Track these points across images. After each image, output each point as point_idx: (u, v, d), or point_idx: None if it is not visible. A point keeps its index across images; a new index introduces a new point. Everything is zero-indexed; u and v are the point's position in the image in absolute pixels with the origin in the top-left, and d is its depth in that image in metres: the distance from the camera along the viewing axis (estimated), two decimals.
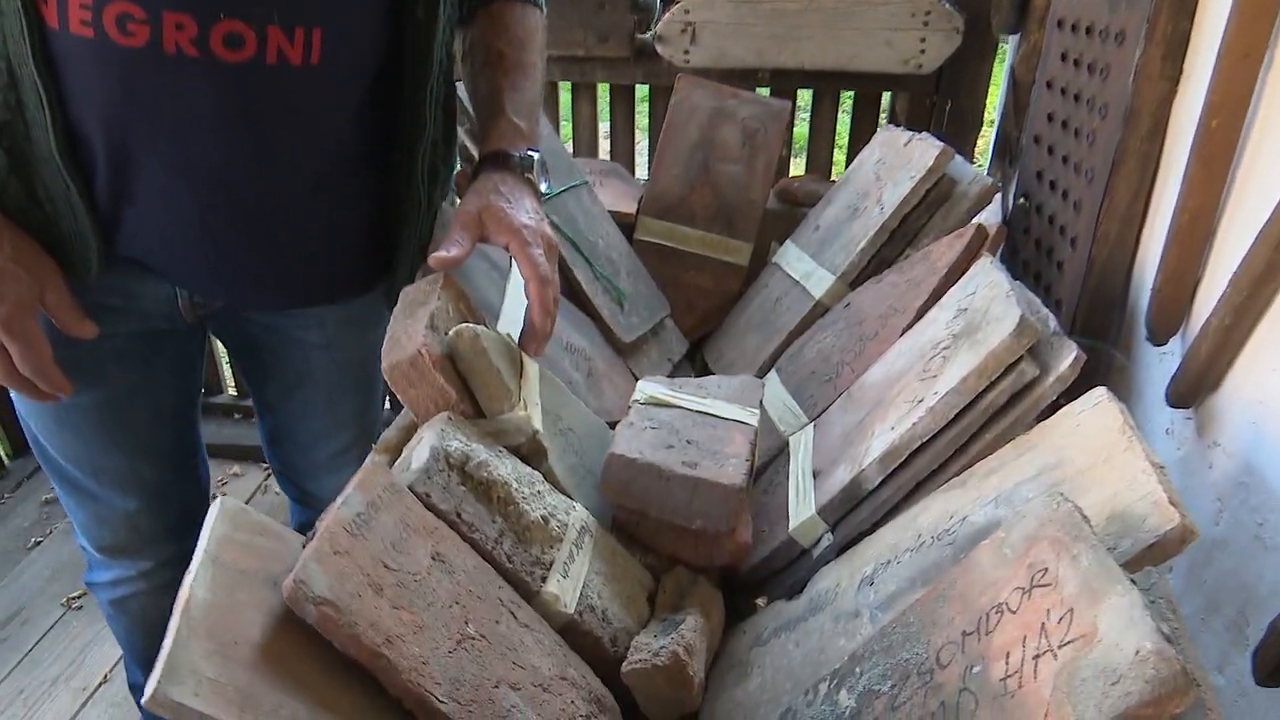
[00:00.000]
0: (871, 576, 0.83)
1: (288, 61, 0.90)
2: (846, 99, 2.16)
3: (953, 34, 1.77)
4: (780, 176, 1.74)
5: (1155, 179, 1.09)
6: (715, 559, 0.96)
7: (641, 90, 2.20)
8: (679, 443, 0.97)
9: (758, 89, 1.83)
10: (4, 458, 2.46)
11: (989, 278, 0.96)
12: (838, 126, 2.14)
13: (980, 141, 2.17)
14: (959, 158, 1.28)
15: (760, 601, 1.00)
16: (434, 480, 0.81)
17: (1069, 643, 0.55)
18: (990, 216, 1.40)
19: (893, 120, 2.05)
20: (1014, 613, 0.60)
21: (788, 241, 1.50)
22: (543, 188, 1.07)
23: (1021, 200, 1.41)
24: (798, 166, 2.38)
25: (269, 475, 2.41)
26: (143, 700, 0.57)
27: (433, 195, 1.11)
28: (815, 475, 1.00)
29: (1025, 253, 1.38)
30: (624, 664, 0.83)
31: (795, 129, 2.43)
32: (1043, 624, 0.57)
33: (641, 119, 2.26)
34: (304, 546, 0.69)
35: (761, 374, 1.31)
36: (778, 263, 1.48)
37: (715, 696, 0.87)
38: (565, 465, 0.98)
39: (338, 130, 1.00)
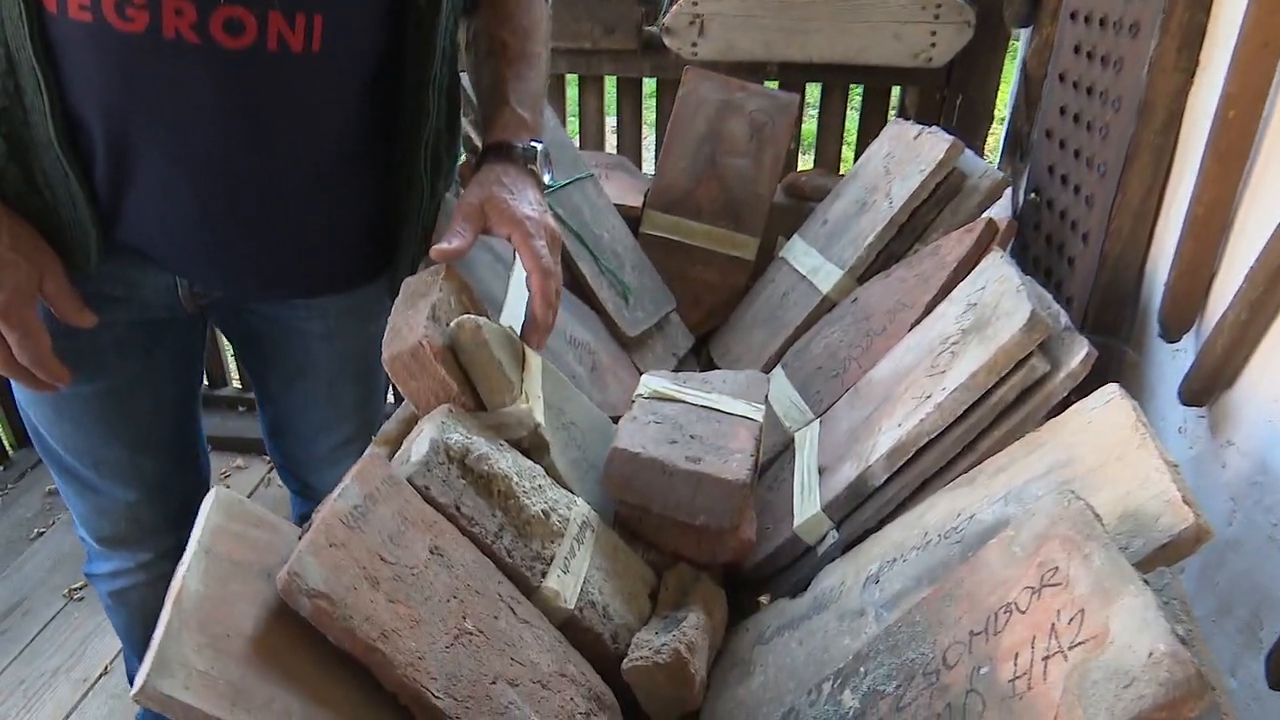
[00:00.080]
0: (877, 575, 0.82)
1: (289, 48, 0.89)
2: (855, 95, 2.15)
3: (964, 27, 1.75)
4: (788, 171, 1.72)
5: (1169, 173, 1.07)
6: (718, 556, 0.95)
7: (649, 86, 2.19)
8: (683, 438, 0.95)
9: (766, 82, 1.82)
10: (8, 448, 2.46)
11: (999, 272, 0.95)
12: (846, 123, 2.12)
13: (990, 139, 2.15)
14: (969, 151, 1.26)
15: (763, 599, 0.99)
16: (433, 473, 0.79)
17: (1080, 644, 0.53)
18: (1000, 212, 1.39)
19: (902, 115, 2.03)
20: (1023, 613, 0.58)
21: (795, 236, 1.48)
22: (546, 179, 1.06)
23: (1032, 195, 1.39)
24: (806, 163, 2.35)
25: (272, 468, 2.40)
26: (132, 693, 0.56)
27: (436, 185, 1.10)
28: (820, 472, 0.99)
29: (1035, 248, 1.37)
30: (625, 661, 0.82)
31: (803, 125, 2.41)
32: (1053, 625, 0.56)
33: (649, 114, 2.24)
34: (300, 538, 0.68)
35: (767, 369, 1.30)
36: (785, 257, 1.47)
37: (717, 695, 0.85)
38: (567, 459, 0.96)
39: (340, 119, 0.99)
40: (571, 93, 2.19)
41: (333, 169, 1.01)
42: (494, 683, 0.71)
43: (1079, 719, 0.51)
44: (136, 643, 1.37)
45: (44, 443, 1.15)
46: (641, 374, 1.12)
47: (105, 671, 1.86)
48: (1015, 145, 1.62)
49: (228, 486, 0.69)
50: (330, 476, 1.32)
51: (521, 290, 1.00)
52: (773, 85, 1.81)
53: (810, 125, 2.50)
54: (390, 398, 1.65)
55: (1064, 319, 0.87)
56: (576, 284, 1.31)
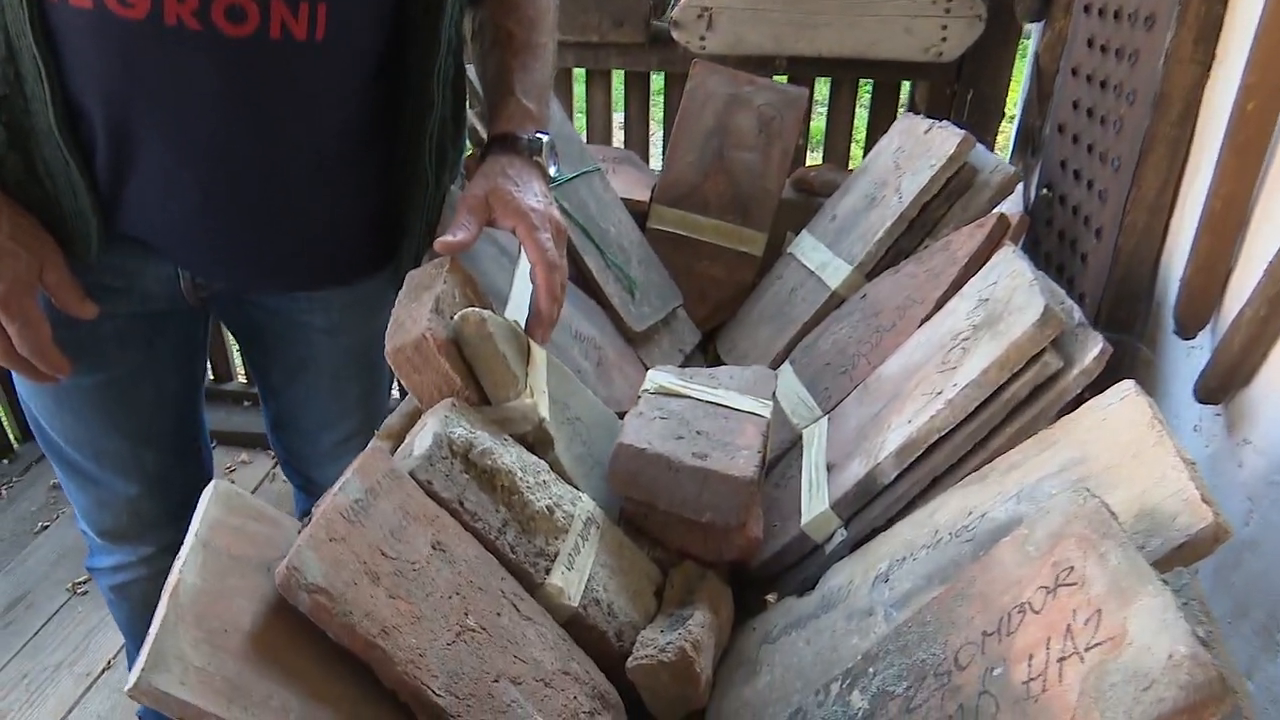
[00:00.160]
0: (886, 573, 0.80)
1: (291, 36, 0.87)
2: (865, 95, 2.13)
3: (975, 21, 1.73)
4: (796, 167, 1.70)
5: (1185, 166, 1.05)
6: (725, 553, 0.93)
7: (657, 83, 2.17)
8: (689, 433, 0.94)
9: (774, 77, 1.80)
10: (13, 441, 2.46)
11: (1011, 267, 0.93)
12: (855, 120, 2.10)
13: (999, 138, 2.13)
14: (980, 146, 1.24)
15: (770, 598, 0.98)
16: (436, 467, 0.78)
17: (1097, 645, 0.52)
18: (1011, 207, 1.37)
19: (912, 110, 2.01)
20: (1037, 613, 0.57)
21: (803, 231, 1.47)
22: (552, 171, 1.05)
23: (1044, 191, 1.37)
24: (814, 161, 2.34)
25: (277, 464, 2.40)
26: (126, 688, 0.55)
27: (441, 177, 1.09)
28: (829, 469, 0.97)
29: (1047, 244, 1.35)
30: (629, 659, 0.81)
31: (812, 124, 2.39)
32: (1068, 625, 0.54)
33: (657, 111, 2.23)
34: (300, 532, 0.67)
35: (775, 366, 1.29)
36: (793, 253, 1.45)
37: (723, 695, 0.84)
38: (572, 455, 0.95)
39: (343, 108, 0.98)
40: (579, 89, 2.18)
41: (336, 159, 0.99)
42: (496, 681, 0.70)
43: None
44: (139, 637, 1.36)
45: (45, 435, 1.14)
46: (647, 369, 1.11)
47: (108, 666, 1.85)
48: (1026, 141, 1.60)
49: (232, 481, 0.68)
50: (333, 471, 1.30)
51: (526, 283, 0.99)
52: (781, 80, 1.80)
53: (819, 123, 2.48)
54: (395, 392, 1.65)
55: (1078, 315, 0.86)
56: (582, 278, 1.30)
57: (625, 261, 1.38)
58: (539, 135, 1.02)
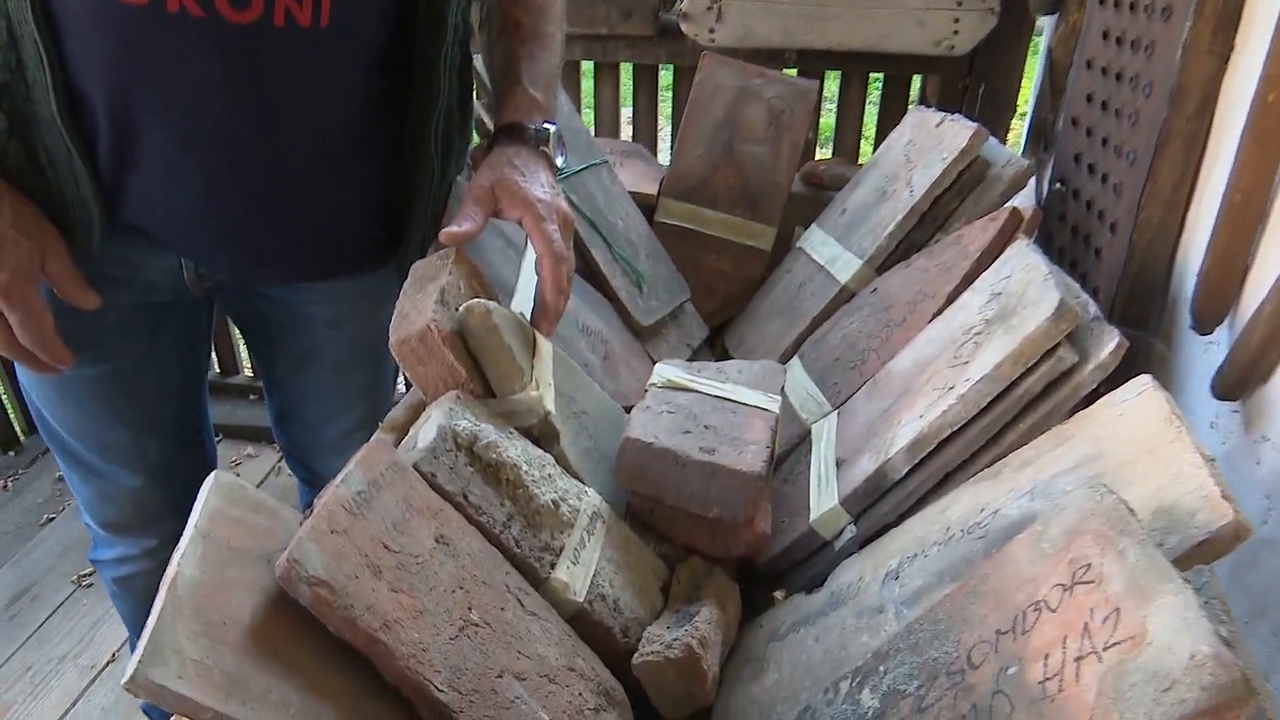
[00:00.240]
0: (897, 570, 0.79)
1: (296, 23, 0.86)
2: (875, 90, 2.11)
3: (988, 14, 1.72)
4: (806, 160, 1.69)
5: (1202, 160, 1.03)
6: (732, 549, 0.92)
7: (666, 79, 2.16)
8: (696, 428, 0.93)
9: (784, 70, 1.79)
10: (19, 434, 2.46)
11: (1025, 260, 0.92)
12: (864, 116, 2.08)
13: (1010, 135, 2.11)
14: (993, 139, 1.23)
15: (778, 594, 0.97)
16: (440, 460, 0.77)
17: (1115, 644, 0.51)
18: (1024, 202, 1.35)
19: (923, 104, 1.99)
20: (1054, 611, 0.55)
21: (813, 225, 1.45)
22: (559, 162, 1.03)
23: (1057, 185, 1.36)
24: (823, 157, 2.32)
25: (283, 457, 2.40)
26: (123, 682, 0.54)
27: (447, 167, 1.08)
28: (838, 464, 0.96)
29: (1060, 239, 1.33)
30: (635, 656, 0.80)
31: (821, 120, 2.38)
32: (1086, 624, 0.53)
33: (665, 106, 2.21)
34: (301, 524, 0.66)
35: (784, 361, 1.27)
36: (802, 247, 1.44)
37: (730, 692, 0.83)
38: (578, 449, 0.94)
39: (348, 97, 0.97)
40: (587, 84, 2.16)
41: (340, 147, 0.98)
42: (500, 676, 0.69)
43: None
44: (142, 630, 1.36)
45: (48, 427, 1.13)
46: (655, 363, 1.10)
47: (113, 659, 1.85)
48: (1039, 135, 1.58)
49: (237, 474, 0.67)
50: (337, 464, 1.29)
51: (532, 275, 0.98)
52: (791, 73, 1.78)
53: (828, 119, 2.46)
54: (400, 385, 1.63)
55: (1093, 309, 0.84)
56: (590, 271, 1.29)
57: (633, 255, 1.36)
58: (546, 125, 1.01)
